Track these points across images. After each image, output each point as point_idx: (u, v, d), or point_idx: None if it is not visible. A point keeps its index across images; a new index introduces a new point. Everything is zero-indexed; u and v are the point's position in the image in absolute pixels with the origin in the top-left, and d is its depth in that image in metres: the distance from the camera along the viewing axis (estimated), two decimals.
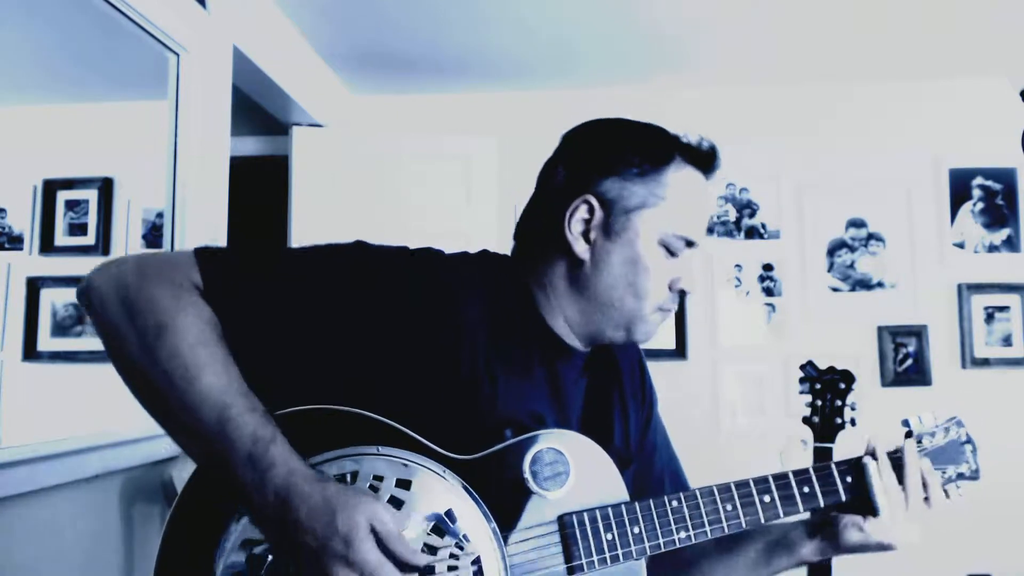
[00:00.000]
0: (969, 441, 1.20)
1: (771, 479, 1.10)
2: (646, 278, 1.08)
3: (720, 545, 1.19)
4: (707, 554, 1.20)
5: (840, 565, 1.97)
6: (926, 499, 1.12)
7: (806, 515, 1.15)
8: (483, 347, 1.05)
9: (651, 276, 1.08)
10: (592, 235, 1.09)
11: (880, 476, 1.10)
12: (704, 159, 1.12)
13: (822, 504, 1.11)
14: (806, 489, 1.10)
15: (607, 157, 1.10)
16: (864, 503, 1.10)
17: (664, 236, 1.08)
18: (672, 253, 1.09)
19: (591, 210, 1.08)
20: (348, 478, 0.95)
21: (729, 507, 1.08)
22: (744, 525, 1.08)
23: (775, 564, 1.18)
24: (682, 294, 1.12)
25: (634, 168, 1.08)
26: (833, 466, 1.12)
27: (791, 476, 1.10)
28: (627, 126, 1.15)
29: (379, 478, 0.96)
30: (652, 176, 1.08)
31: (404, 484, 0.96)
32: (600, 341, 1.13)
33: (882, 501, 1.09)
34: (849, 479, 1.12)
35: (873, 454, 1.12)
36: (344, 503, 0.89)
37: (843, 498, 1.12)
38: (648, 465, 1.24)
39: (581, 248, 1.09)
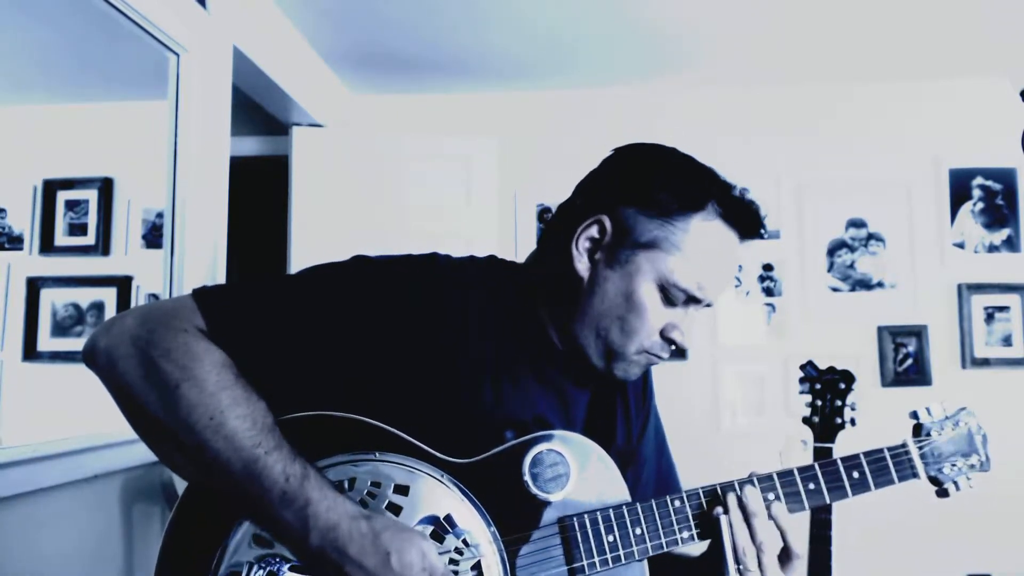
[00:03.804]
0: (979, 431, 1.18)
1: (775, 476, 1.08)
2: (636, 317, 1.05)
3: None
4: None
5: (841, 565, 1.97)
6: (785, 550, 1.04)
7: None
8: (484, 349, 1.05)
9: (641, 317, 1.05)
10: (596, 256, 1.07)
11: (729, 532, 1.02)
12: (742, 219, 1.07)
13: (827, 500, 1.09)
14: (811, 486, 1.09)
15: (636, 186, 1.07)
16: (717, 560, 1.03)
17: (665, 283, 1.04)
18: (670, 302, 1.05)
19: (602, 231, 1.06)
20: (346, 484, 0.96)
21: None
22: None
23: None
24: (673, 344, 1.07)
25: (658, 205, 1.04)
26: (839, 461, 1.10)
27: (796, 472, 1.08)
28: (671, 160, 1.10)
29: (376, 484, 0.96)
30: (675, 220, 1.04)
31: (402, 490, 0.96)
32: (584, 364, 1.10)
33: (731, 561, 1.01)
34: (856, 474, 1.10)
35: (726, 510, 1.04)
36: (396, 542, 0.91)
37: (849, 495, 1.10)
38: (639, 469, 1.23)
39: (582, 266, 1.07)
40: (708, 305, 1.08)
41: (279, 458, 0.92)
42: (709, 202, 1.05)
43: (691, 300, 1.06)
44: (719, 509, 1.04)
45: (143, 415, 0.94)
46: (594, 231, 1.07)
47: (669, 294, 1.05)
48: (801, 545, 1.05)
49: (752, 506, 1.03)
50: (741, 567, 1.01)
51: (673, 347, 1.08)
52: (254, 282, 1.04)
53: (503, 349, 1.07)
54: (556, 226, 1.13)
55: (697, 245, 1.04)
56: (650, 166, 1.10)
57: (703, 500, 1.06)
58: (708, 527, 1.05)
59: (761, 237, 1.10)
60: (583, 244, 1.07)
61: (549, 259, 1.12)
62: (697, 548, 1.10)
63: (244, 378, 0.95)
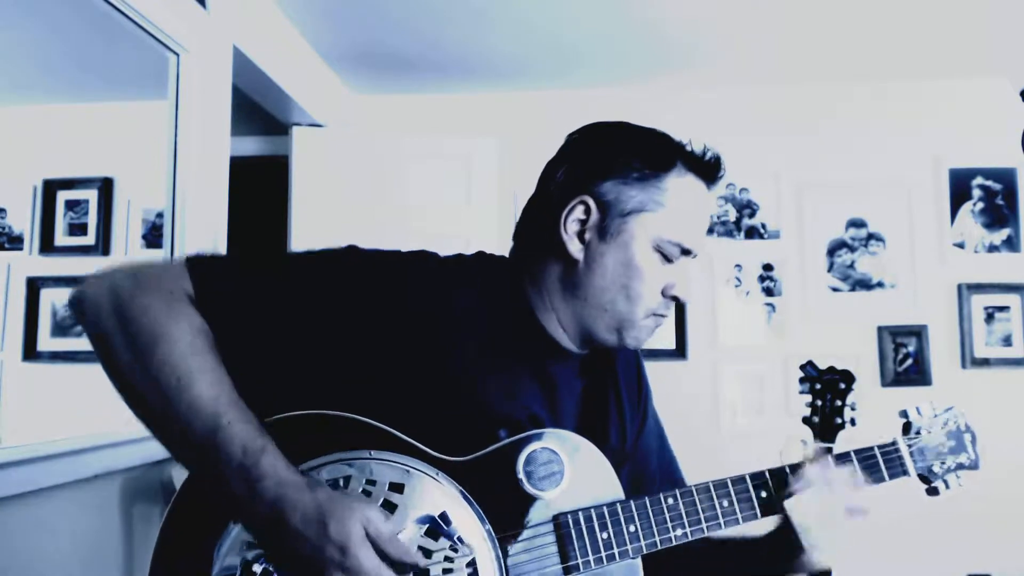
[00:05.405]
0: (968, 430, 1.20)
1: (767, 474, 1.10)
2: (639, 282, 1.08)
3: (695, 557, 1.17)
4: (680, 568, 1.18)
5: (841, 565, 1.97)
6: (852, 511, 1.08)
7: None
8: (476, 347, 1.05)
9: (644, 280, 1.08)
10: (587, 236, 1.09)
11: (800, 510, 1.07)
12: (707, 169, 1.12)
13: None
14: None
15: (608, 159, 1.10)
16: (794, 540, 1.08)
17: (659, 241, 1.08)
18: (667, 259, 1.09)
19: (587, 211, 1.08)
20: (341, 483, 0.96)
21: (725, 503, 1.08)
22: (740, 521, 1.08)
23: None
24: (675, 301, 1.11)
25: (634, 172, 1.08)
26: (830, 459, 1.12)
27: (788, 471, 1.10)
28: (631, 130, 1.14)
29: (372, 482, 0.96)
30: (652, 181, 1.08)
31: (397, 488, 0.96)
32: (592, 343, 1.13)
33: (805, 533, 1.07)
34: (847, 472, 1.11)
35: (792, 493, 1.08)
36: (337, 510, 0.89)
37: None
38: (644, 464, 1.24)
39: (575, 248, 1.09)
40: (695, 256, 1.12)
41: (240, 431, 0.91)
42: (677, 159, 1.10)
43: (684, 253, 1.10)
44: (792, 492, 1.08)
45: (118, 368, 0.94)
46: (580, 212, 1.09)
47: (664, 251, 1.08)
48: (867, 503, 1.09)
49: (816, 477, 1.09)
50: (815, 525, 1.06)
51: (675, 303, 1.12)
52: (250, 257, 1.04)
53: (496, 345, 1.07)
54: (533, 220, 1.14)
55: (678, 200, 1.09)
56: (614, 139, 1.13)
57: (696, 498, 1.07)
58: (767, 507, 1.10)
59: (720, 179, 1.13)
60: (571, 227, 1.09)
61: (534, 252, 1.13)
62: (760, 528, 1.13)
63: (217, 351, 0.95)
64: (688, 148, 1.11)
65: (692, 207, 1.11)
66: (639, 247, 1.07)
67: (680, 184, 1.09)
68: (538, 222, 1.13)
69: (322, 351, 1.00)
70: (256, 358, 0.99)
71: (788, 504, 1.08)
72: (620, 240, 1.08)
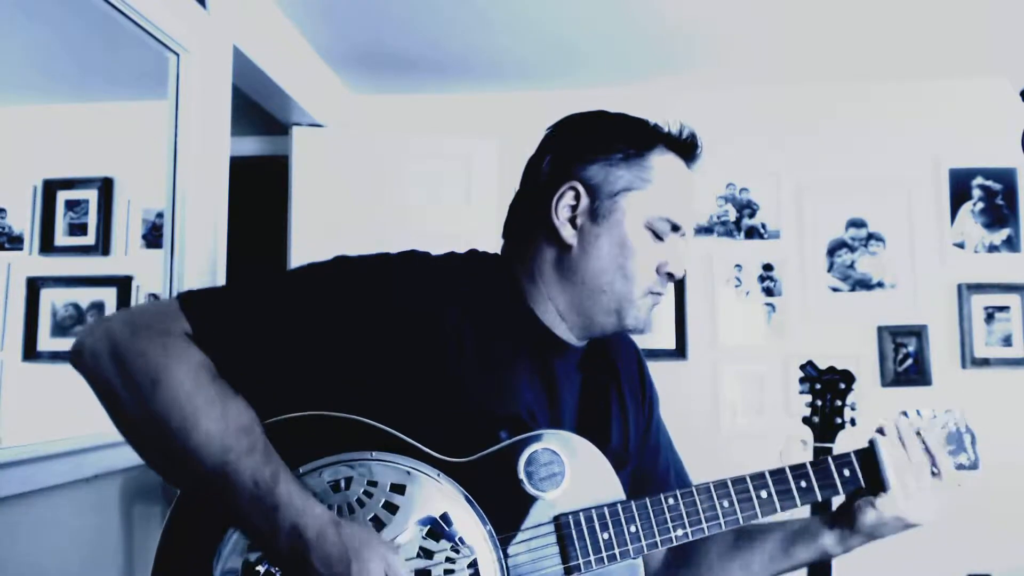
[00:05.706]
0: (968, 431, 1.19)
1: (768, 475, 1.10)
2: (634, 260, 1.09)
3: (737, 540, 1.19)
4: (723, 550, 1.20)
5: (840, 565, 1.97)
6: (936, 473, 1.13)
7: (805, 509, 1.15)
8: (471, 345, 1.05)
9: (638, 258, 1.09)
10: (579, 220, 1.10)
11: (888, 450, 1.11)
12: (686, 148, 1.13)
13: (819, 498, 1.10)
14: (803, 484, 1.10)
15: (591, 144, 1.11)
16: (876, 481, 1.11)
17: (650, 219, 1.09)
18: (658, 237, 1.10)
19: (577, 196, 1.09)
20: (343, 483, 0.96)
21: (726, 503, 1.08)
22: (741, 521, 1.08)
23: (796, 556, 1.17)
24: (671, 278, 1.12)
25: (618, 153, 1.09)
26: (830, 459, 1.12)
27: (788, 471, 1.10)
28: (608, 116, 1.16)
29: (373, 483, 0.96)
30: (637, 160, 1.09)
31: (399, 489, 0.97)
32: (592, 329, 1.13)
33: (890, 474, 1.10)
34: (847, 472, 1.12)
35: (882, 431, 1.13)
36: (360, 551, 0.91)
37: (840, 492, 1.12)
38: (651, 465, 1.24)
39: (568, 234, 1.09)
40: (683, 234, 1.13)
41: (250, 462, 0.92)
42: (658, 139, 1.11)
43: (674, 229, 1.11)
44: (881, 430, 1.13)
45: (123, 415, 0.95)
46: (570, 198, 1.10)
47: (655, 228, 1.10)
48: (949, 468, 1.14)
49: (905, 431, 1.13)
50: (897, 482, 1.10)
51: (670, 280, 1.13)
52: (240, 286, 1.04)
53: (494, 343, 1.07)
54: (522, 213, 1.15)
55: (663, 177, 1.10)
56: (595, 124, 1.15)
57: (697, 498, 1.07)
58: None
59: (698, 157, 1.15)
60: (563, 213, 1.10)
61: (527, 245, 1.14)
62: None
63: (222, 380, 0.95)
64: (666, 129, 1.13)
65: (677, 183, 1.12)
66: (631, 226, 1.09)
67: (663, 162, 1.11)
68: (528, 215, 1.13)
69: (323, 363, 1.00)
70: (261, 382, 0.99)
71: (878, 438, 1.12)
72: (612, 220, 1.09)
